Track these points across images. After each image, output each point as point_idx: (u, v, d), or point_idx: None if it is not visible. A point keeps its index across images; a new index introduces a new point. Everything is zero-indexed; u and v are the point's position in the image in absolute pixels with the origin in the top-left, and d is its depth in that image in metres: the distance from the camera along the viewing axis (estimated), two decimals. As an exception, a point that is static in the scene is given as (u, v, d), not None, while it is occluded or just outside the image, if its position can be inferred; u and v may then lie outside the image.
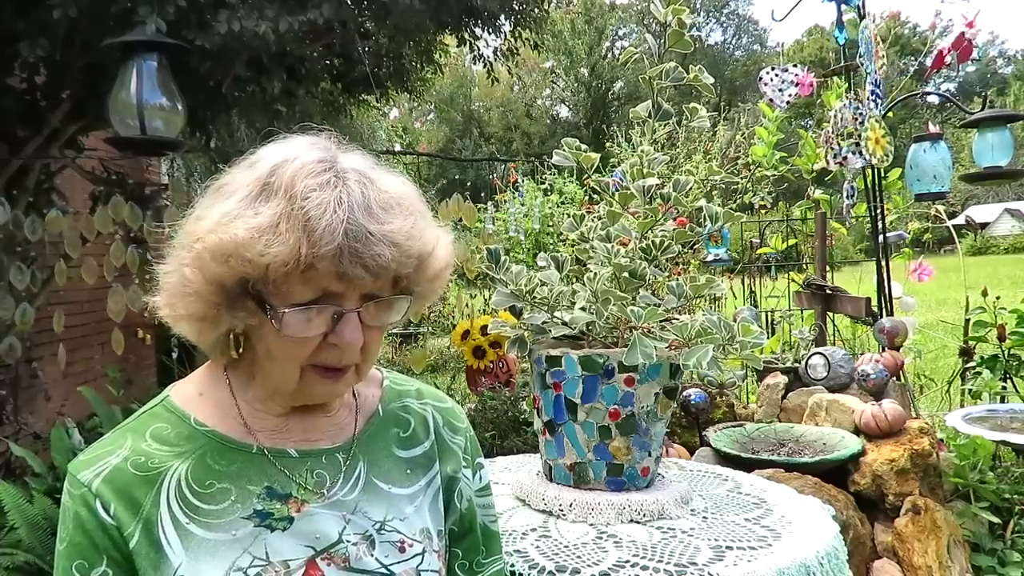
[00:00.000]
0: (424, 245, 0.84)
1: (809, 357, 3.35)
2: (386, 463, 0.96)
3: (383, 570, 0.89)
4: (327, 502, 0.90)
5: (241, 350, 0.88)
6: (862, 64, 3.47)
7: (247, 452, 0.89)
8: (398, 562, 0.91)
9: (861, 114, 3.48)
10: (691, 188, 1.84)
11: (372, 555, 0.89)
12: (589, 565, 1.46)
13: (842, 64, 3.87)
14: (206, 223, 0.80)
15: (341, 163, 0.82)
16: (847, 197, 3.75)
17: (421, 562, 0.93)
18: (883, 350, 3.45)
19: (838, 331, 4.68)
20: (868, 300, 3.86)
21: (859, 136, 3.49)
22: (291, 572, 0.85)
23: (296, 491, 0.88)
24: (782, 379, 3.31)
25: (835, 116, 3.55)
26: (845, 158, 3.54)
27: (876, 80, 3.53)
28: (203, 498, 0.85)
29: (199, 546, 0.83)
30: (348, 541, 0.89)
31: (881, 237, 3.94)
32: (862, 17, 3.78)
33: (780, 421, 3.19)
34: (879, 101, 3.53)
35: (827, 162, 3.62)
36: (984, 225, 30.78)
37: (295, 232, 0.76)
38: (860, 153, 3.50)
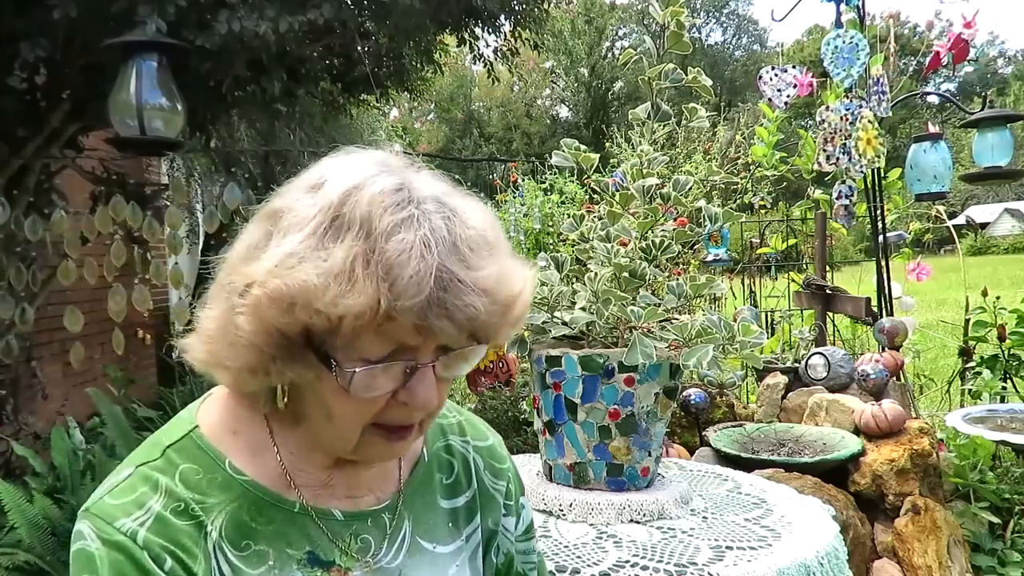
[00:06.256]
0: (511, 289, 0.72)
1: (809, 357, 3.35)
2: (430, 518, 0.89)
3: None
4: (371, 570, 0.82)
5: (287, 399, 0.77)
6: (841, 73, 3.48)
7: (288, 510, 0.79)
8: None
9: (853, 115, 3.49)
10: (691, 188, 1.84)
11: None
12: (589, 565, 1.46)
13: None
14: (264, 264, 0.68)
15: (418, 190, 0.70)
16: (837, 198, 3.76)
17: None
18: (883, 350, 3.46)
19: (838, 331, 4.68)
20: (868, 300, 3.86)
21: (847, 136, 3.50)
22: None
23: (339, 558, 0.80)
24: (782, 379, 3.32)
25: (821, 119, 3.57)
26: (838, 159, 3.54)
27: (879, 80, 3.53)
28: (241, 560, 0.76)
29: None
30: None
31: (881, 237, 3.94)
32: (862, 18, 3.78)
33: (780, 421, 3.19)
34: (881, 100, 3.53)
35: (819, 164, 3.63)
36: (984, 225, 30.78)
37: (374, 280, 0.64)
38: (849, 155, 3.50)
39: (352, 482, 0.84)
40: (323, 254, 0.66)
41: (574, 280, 1.89)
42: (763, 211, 5.11)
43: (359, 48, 3.28)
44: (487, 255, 0.71)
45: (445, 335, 0.68)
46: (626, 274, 1.77)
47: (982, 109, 3.52)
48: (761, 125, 4.67)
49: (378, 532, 0.83)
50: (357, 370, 0.68)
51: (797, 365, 3.40)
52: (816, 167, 3.72)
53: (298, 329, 0.68)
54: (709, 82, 1.89)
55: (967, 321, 4.34)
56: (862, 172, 3.62)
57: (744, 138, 6.18)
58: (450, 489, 0.92)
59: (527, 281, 0.77)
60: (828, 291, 4.13)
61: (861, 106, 3.52)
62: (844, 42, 3.50)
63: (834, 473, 2.71)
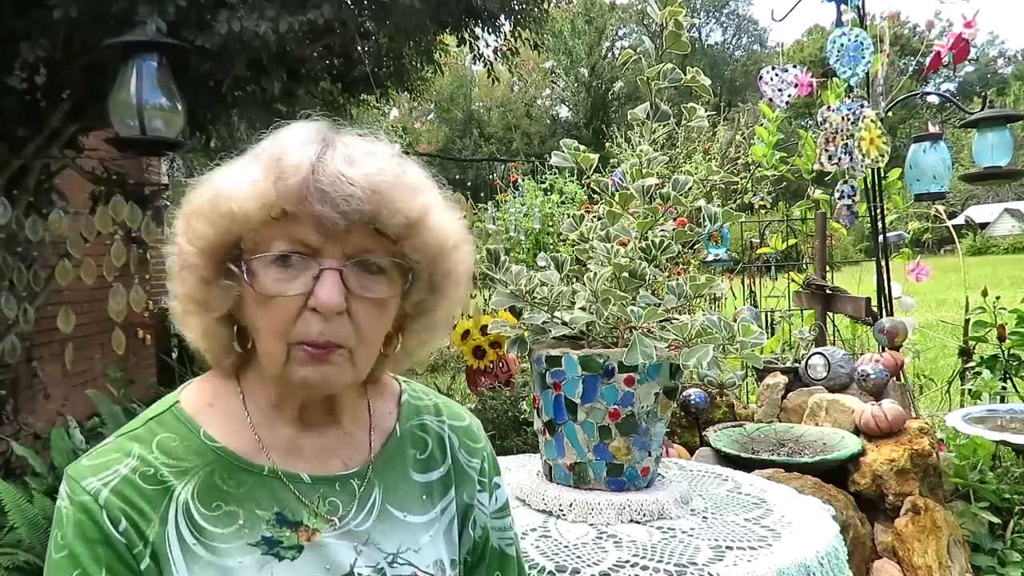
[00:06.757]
0: (411, 201, 0.78)
1: (809, 357, 3.35)
2: (402, 488, 0.91)
3: None
4: (339, 532, 0.85)
5: (250, 346, 0.83)
6: (846, 71, 3.48)
7: (258, 474, 0.83)
8: None
9: (855, 115, 3.48)
10: (690, 188, 1.84)
11: None
12: (589, 565, 1.46)
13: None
14: (196, 191, 0.81)
15: (334, 136, 0.79)
16: (840, 198, 3.76)
17: None
18: (883, 350, 3.46)
19: (838, 331, 4.68)
20: (868, 300, 3.86)
21: (849, 136, 3.50)
22: None
23: (307, 519, 0.83)
24: (782, 379, 3.32)
25: (822, 119, 3.57)
26: (840, 159, 3.55)
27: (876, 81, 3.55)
28: (210, 520, 0.80)
29: (204, 570, 0.79)
30: (360, 574, 0.84)
31: (881, 237, 3.94)
32: (862, 18, 3.78)
33: (780, 421, 3.19)
34: (879, 101, 3.54)
35: (821, 164, 3.64)
36: (984, 225, 30.79)
37: (269, 176, 0.75)
38: (851, 155, 3.50)
39: (321, 448, 0.87)
40: (239, 172, 0.78)
41: (574, 280, 1.89)
42: (763, 211, 5.11)
43: (359, 48, 3.28)
44: (381, 162, 0.78)
45: (336, 227, 0.74)
46: (626, 274, 1.77)
47: (982, 109, 3.52)
48: (761, 125, 4.68)
49: (347, 496, 0.86)
50: (256, 258, 0.77)
51: (797, 365, 3.40)
52: (818, 167, 3.73)
53: (220, 240, 0.78)
54: (708, 82, 1.89)
55: (967, 321, 4.34)
56: (864, 172, 3.63)
57: (744, 138, 6.18)
58: (423, 464, 0.94)
59: (437, 206, 0.82)
60: (828, 291, 4.13)
61: (863, 106, 3.52)
62: (850, 40, 3.49)
63: (834, 473, 2.71)
